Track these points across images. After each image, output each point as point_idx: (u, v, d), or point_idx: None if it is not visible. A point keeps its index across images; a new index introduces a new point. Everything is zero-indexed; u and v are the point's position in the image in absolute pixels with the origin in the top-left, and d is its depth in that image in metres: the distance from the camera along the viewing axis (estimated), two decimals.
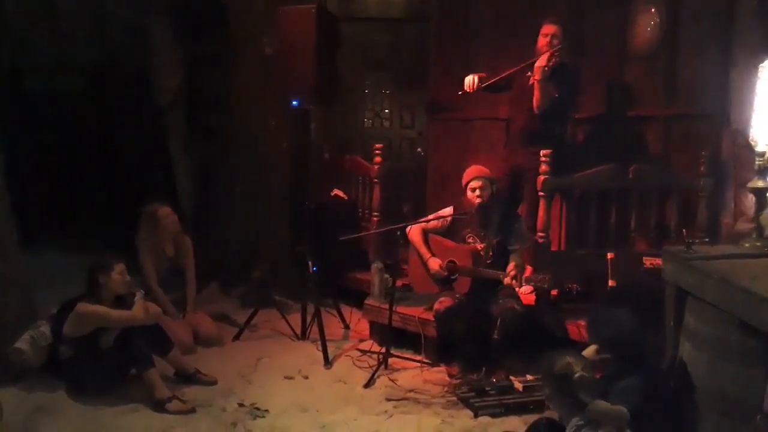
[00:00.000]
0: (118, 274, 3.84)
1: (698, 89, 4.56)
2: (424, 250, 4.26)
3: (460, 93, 4.50)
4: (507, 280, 3.94)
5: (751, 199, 3.80)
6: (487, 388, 3.72)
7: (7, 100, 4.23)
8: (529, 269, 4.25)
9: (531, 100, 4.39)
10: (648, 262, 3.83)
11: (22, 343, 3.78)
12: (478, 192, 4.14)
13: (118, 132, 6.20)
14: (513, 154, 4.67)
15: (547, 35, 4.37)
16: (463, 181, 4.24)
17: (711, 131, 4.52)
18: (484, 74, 4.45)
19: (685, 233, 3.19)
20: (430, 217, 4.37)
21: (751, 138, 2.96)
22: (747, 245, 2.94)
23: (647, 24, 4.74)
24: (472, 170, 4.25)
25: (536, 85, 4.33)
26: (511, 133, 4.72)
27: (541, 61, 4.29)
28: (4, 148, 4.16)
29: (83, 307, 3.72)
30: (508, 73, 4.41)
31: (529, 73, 4.39)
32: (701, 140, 4.46)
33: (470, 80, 4.44)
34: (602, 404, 2.47)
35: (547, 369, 2.56)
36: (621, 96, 4.93)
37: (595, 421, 2.43)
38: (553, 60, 4.30)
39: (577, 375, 2.45)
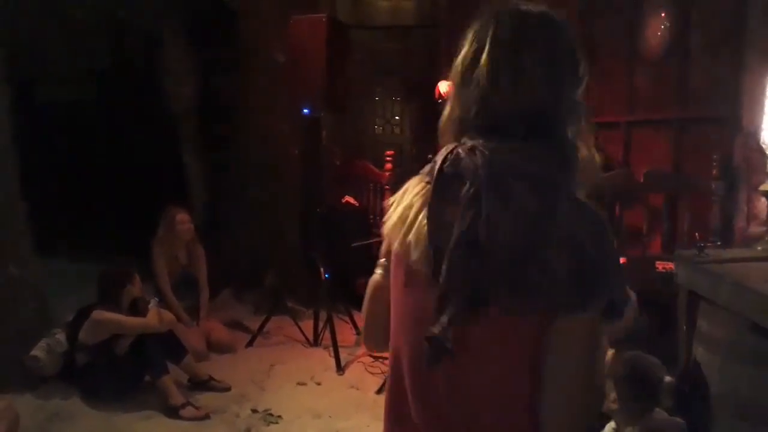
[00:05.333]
0: (135, 284, 3.91)
1: (710, 93, 4.54)
2: None
3: (439, 101, 4.50)
4: None
5: (763, 203, 3.80)
6: None
7: (22, 109, 4.28)
8: None
9: None
10: (660, 266, 3.82)
11: (39, 351, 3.83)
12: None
13: (132, 140, 6.26)
14: None
15: None
16: None
17: (723, 135, 4.50)
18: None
19: (697, 237, 3.18)
20: None
21: (762, 141, 2.95)
22: (759, 248, 2.93)
23: (658, 28, 4.73)
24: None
25: None
26: None
27: None
28: (19, 156, 4.21)
29: (99, 314, 3.76)
30: None
31: None
32: (713, 144, 4.44)
33: (446, 87, 4.44)
34: (664, 414, 2.41)
35: (624, 370, 2.40)
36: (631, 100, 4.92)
37: (654, 430, 2.37)
38: None
39: (667, 379, 2.38)
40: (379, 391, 3.91)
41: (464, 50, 1.13)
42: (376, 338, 1.30)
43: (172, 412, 3.60)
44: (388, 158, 5.17)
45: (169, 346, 3.91)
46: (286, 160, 5.61)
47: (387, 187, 5.20)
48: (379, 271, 1.28)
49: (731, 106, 4.37)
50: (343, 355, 4.35)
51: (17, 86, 4.25)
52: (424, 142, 6.56)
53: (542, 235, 0.99)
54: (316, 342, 4.64)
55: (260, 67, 5.52)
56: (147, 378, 3.80)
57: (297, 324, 4.79)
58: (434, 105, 4.60)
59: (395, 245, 1.14)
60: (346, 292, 5.03)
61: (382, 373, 4.11)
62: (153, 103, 5.93)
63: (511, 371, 1.07)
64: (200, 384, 3.96)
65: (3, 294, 4.03)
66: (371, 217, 5.53)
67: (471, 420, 1.09)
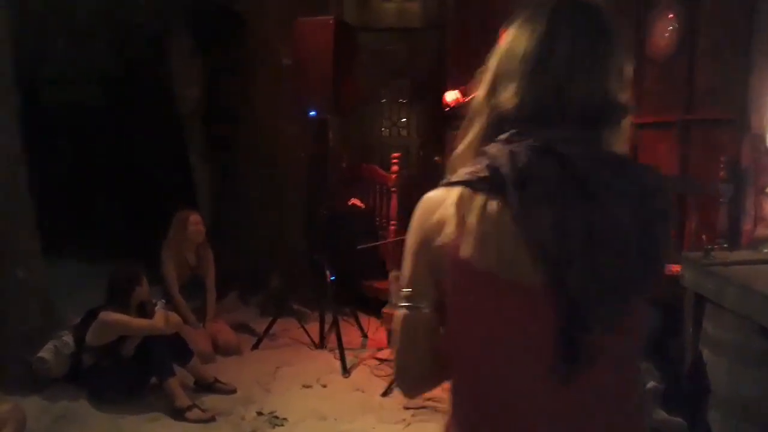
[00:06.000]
0: (143, 286, 3.92)
1: (717, 94, 4.52)
2: None
3: (446, 110, 4.51)
4: None
5: None
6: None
7: (28, 111, 4.31)
8: None
9: None
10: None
11: (46, 353, 3.85)
12: None
13: (139, 143, 6.28)
14: None
15: None
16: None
17: (730, 137, 4.48)
18: (463, 89, 4.48)
19: (704, 239, 3.16)
20: None
21: None
22: (767, 251, 2.91)
23: (665, 29, 4.71)
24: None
25: None
26: None
27: None
28: (27, 160, 4.23)
29: (106, 315, 3.77)
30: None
31: None
32: (720, 146, 4.42)
33: (453, 96, 4.46)
34: (663, 414, 2.41)
35: None
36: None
37: (654, 430, 2.37)
38: None
39: (650, 385, 2.39)
40: (384, 394, 3.91)
41: (518, 43, 1.07)
42: (413, 381, 1.18)
43: (178, 414, 3.61)
44: (394, 161, 5.17)
45: (176, 348, 3.92)
46: (292, 163, 5.62)
47: (393, 189, 5.19)
48: (404, 304, 1.11)
49: (739, 107, 4.35)
50: (349, 358, 4.35)
51: (24, 89, 4.27)
52: (431, 144, 6.56)
53: (653, 215, 1.00)
54: (321, 344, 4.65)
55: (267, 69, 5.54)
56: (153, 380, 3.81)
57: (303, 326, 4.80)
58: (442, 107, 4.61)
59: (478, 265, 1.00)
60: (351, 295, 5.04)
61: (388, 375, 4.11)
62: (159, 105, 5.95)
63: (634, 367, 1.06)
64: (206, 386, 3.97)
65: (10, 296, 4.06)
66: (377, 219, 5.53)
67: (606, 428, 1.04)
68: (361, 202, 5.70)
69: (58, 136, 6.10)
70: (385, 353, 4.48)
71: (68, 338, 3.94)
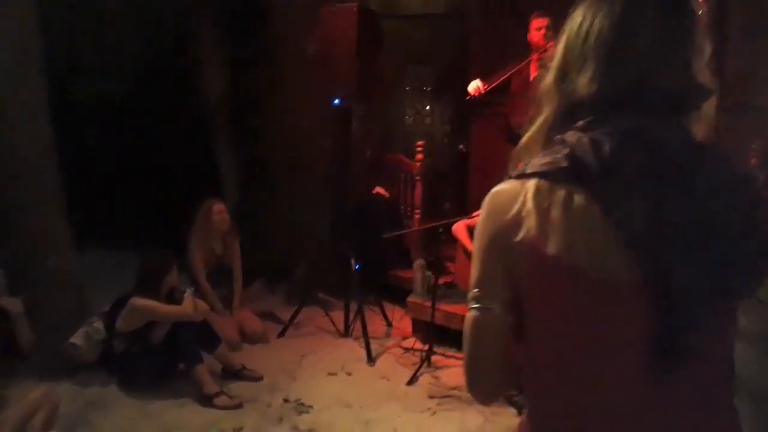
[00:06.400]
0: (173, 273, 3.98)
1: (748, 80, 4.43)
2: (468, 243, 4.24)
3: (467, 99, 4.49)
4: None
5: None
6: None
7: (58, 104, 4.37)
8: None
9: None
10: None
11: (77, 338, 3.93)
12: None
13: (166, 133, 6.34)
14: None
15: (540, 29, 4.33)
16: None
17: (762, 123, 4.39)
18: (485, 82, 4.47)
19: None
20: (475, 213, 4.35)
21: None
22: None
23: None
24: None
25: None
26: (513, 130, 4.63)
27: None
28: (57, 151, 4.30)
29: (136, 301, 3.83)
30: (507, 75, 4.39)
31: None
32: (752, 132, 4.34)
33: (475, 85, 4.44)
34: None
35: None
36: None
37: None
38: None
39: None
40: (409, 383, 3.92)
41: (592, 23, 0.99)
42: (486, 386, 1.12)
43: (206, 401, 3.66)
44: (419, 149, 5.15)
45: (204, 336, 3.97)
46: (317, 152, 5.63)
47: (418, 177, 5.18)
48: (474, 305, 1.05)
49: None
50: (374, 346, 4.36)
51: (53, 82, 4.33)
52: (456, 132, 6.54)
53: (749, 204, 0.93)
54: (346, 333, 4.67)
55: (291, 59, 5.54)
56: (182, 366, 3.87)
57: (328, 315, 4.83)
58: (466, 94, 4.58)
59: (565, 262, 0.93)
60: (376, 284, 5.05)
61: (413, 364, 4.12)
62: (186, 96, 6.00)
63: (731, 368, 1.01)
64: (233, 373, 4.02)
65: (43, 284, 4.14)
66: (402, 208, 5.52)
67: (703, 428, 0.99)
68: (386, 190, 5.69)
69: (86, 128, 6.17)
70: (409, 342, 4.49)
71: (99, 324, 4.01)
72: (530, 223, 0.95)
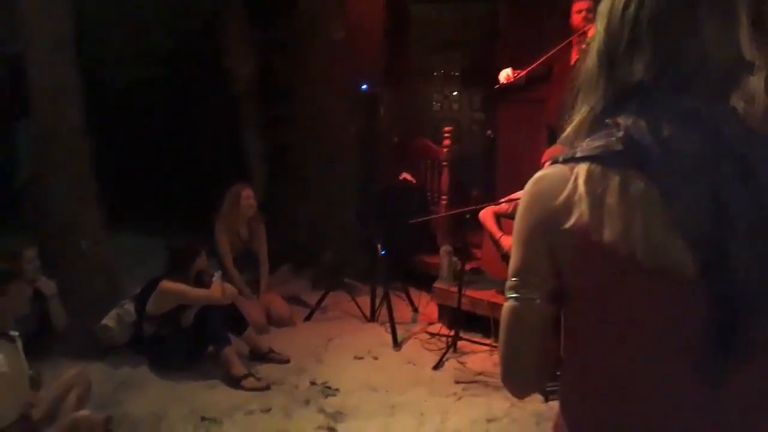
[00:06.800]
0: (202, 258, 4.03)
1: None
2: (495, 229, 4.21)
3: (496, 87, 4.44)
4: None
5: None
6: (558, 372, 3.67)
7: (88, 89, 4.44)
8: None
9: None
10: None
11: (109, 320, 4.01)
12: None
13: (194, 119, 6.39)
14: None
15: (581, 11, 4.24)
16: (542, 161, 4.15)
17: None
18: (515, 70, 4.39)
19: None
20: (503, 200, 4.32)
21: None
22: None
23: None
24: (551, 151, 4.16)
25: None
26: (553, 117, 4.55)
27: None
28: (89, 136, 4.37)
29: (166, 284, 3.89)
30: (543, 59, 4.31)
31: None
32: None
33: (506, 74, 4.38)
34: None
35: None
36: None
37: None
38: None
39: None
40: (435, 367, 3.93)
41: (644, 8, 0.92)
42: (522, 379, 1.08)
43: (235, 383, 3.72)
44: (446, 134, 5.12)
45: (232, 319, 4.02)
46: (343, 137, 5.63)
47: (445, 163, 5.15)
48: (513, 295, 1.00)
49: None
50: (400, 331, 4.38)
51: (84, 67, 4.40)
52: (484, 118, 6.48)
53: None
54: (372, 318, 4.69)
55: (318, 45, 5.53)
56: (210, 349, 3.92)
57: (354, 299, 4.85)
58: (494, 81, 4.53)
59: (621, 251, 0.88)
60: (402, 269, 5.05)
61: (439, 349, 4.13)
62: (214, 82, 6.03)
63: None
64: (261, 356, 4.06)
65: (76, 268, 4.24)
66: (429, 194, 5.51)
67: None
68: (413, 176, 5.68)
69: (117, 113, 6.25)
70: (435, 328, 4.50)
71: (130, 307, 4.09)
72: (582, 209, 0.90)
